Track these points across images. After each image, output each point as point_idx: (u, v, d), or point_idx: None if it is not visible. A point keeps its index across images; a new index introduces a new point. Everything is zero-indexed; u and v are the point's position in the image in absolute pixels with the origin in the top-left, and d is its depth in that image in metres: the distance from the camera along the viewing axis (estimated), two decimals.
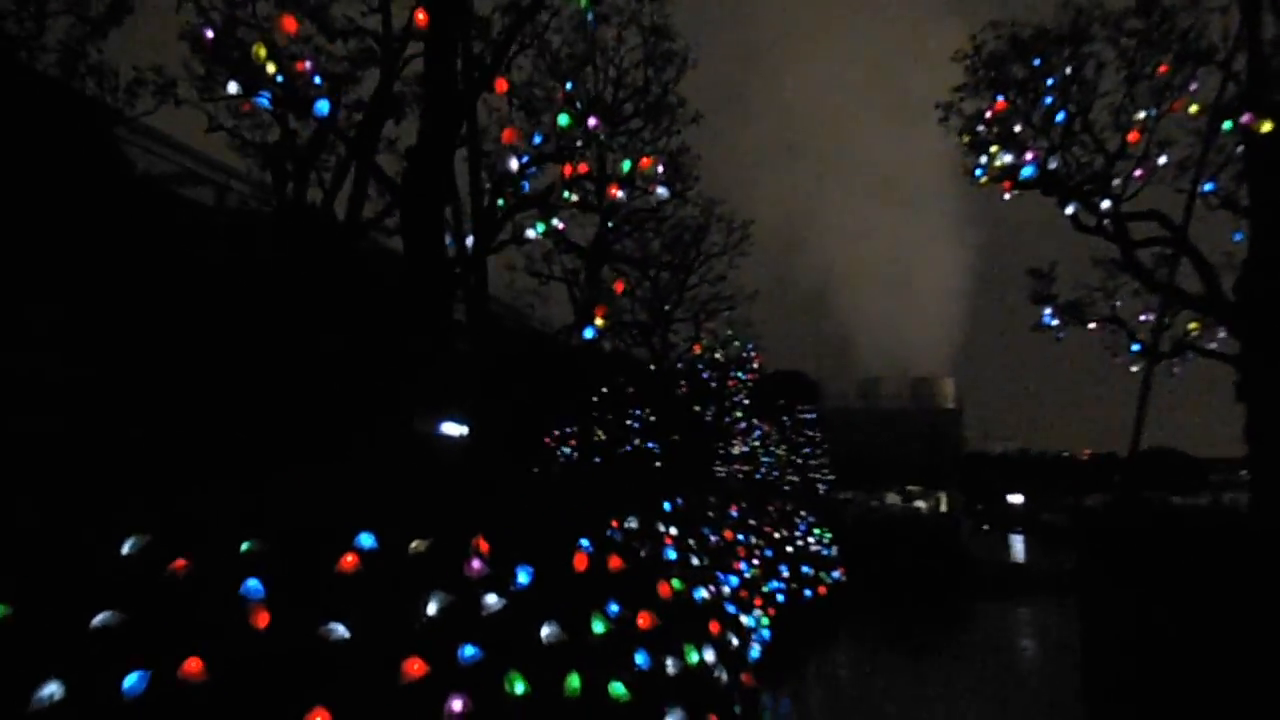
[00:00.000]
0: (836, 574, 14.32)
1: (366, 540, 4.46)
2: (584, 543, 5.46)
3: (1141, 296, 12.93)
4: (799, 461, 58.76)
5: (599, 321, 8.68)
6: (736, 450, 54.45)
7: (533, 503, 6.07)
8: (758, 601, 9.19)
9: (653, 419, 28.60)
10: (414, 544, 4.64)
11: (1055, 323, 13.27)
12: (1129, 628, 8.52)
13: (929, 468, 76.21)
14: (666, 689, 4.99)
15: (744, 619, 7.91)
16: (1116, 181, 10.99)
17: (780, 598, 11.17)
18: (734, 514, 11.04)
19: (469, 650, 4.13)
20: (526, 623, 4.60)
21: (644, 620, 5.30)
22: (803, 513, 15.06)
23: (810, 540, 13.99)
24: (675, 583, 6.17)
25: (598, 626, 4.90)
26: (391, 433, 7.06)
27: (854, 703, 8.62)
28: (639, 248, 21.84)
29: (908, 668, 10.52)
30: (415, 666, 3.91)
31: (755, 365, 25.04)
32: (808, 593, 12.52)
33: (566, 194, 11.10)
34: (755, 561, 10.22)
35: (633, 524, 6.62)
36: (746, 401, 25.21)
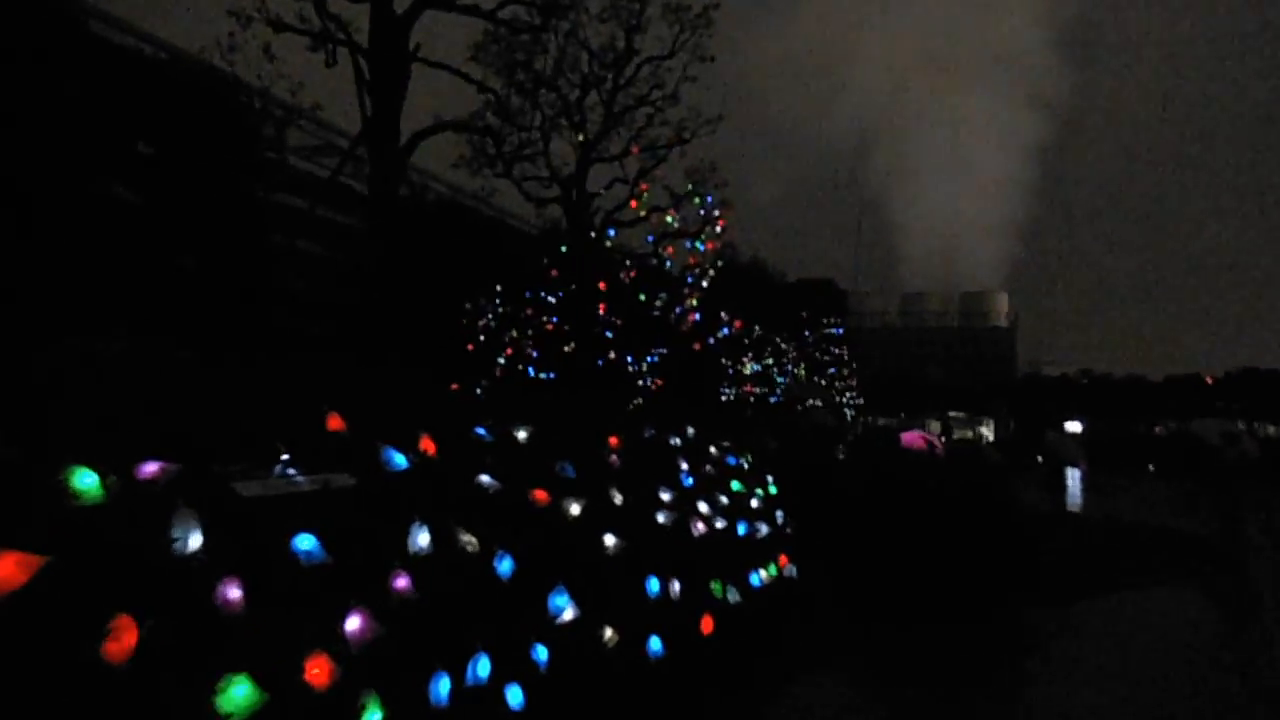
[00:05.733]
0: (758, 578, 6.86)
1: None
2: None
3: None
4: (822, 383, 51.13)
5: None
6: (747, 370, 47.25)
7: None
8: None
9: (608, 320, 21.32)
10: None
11: None
12: None
13: (977, 392, 68.02)
14: None
15: None
16: None
17: None
18: (399, 460, 3.65)
19: None
20: None
21: None
22: (714, 449, 7.66)
23: (704, 510, 6.57)
24: None
25: None
26: None
27: None
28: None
29: None
30: None
31: (719, 229, 17.03)
32: (656, 646, 5.14)
33: None
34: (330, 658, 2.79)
35: None
36: (705, 284, 17.35)
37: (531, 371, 22.42)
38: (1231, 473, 14.39)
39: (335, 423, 4.09)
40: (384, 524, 3.65)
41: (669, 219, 16.68)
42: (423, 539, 3.78)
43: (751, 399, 45.04)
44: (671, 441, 7.25)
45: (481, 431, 5.07)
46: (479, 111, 15.17)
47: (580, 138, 15.45)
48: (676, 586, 5.58)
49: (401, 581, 3.51)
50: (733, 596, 6.27)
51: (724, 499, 7.04)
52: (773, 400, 44.45)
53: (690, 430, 7.84)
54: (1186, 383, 55.68)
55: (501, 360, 22.30)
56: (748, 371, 45.93)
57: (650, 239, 17.27)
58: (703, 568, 6.07)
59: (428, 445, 4.40)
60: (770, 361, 44.49)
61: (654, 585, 5.38)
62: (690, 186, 16.61)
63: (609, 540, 5.17)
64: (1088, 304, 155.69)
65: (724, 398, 42.72)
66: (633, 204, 16.44)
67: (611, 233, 16.92)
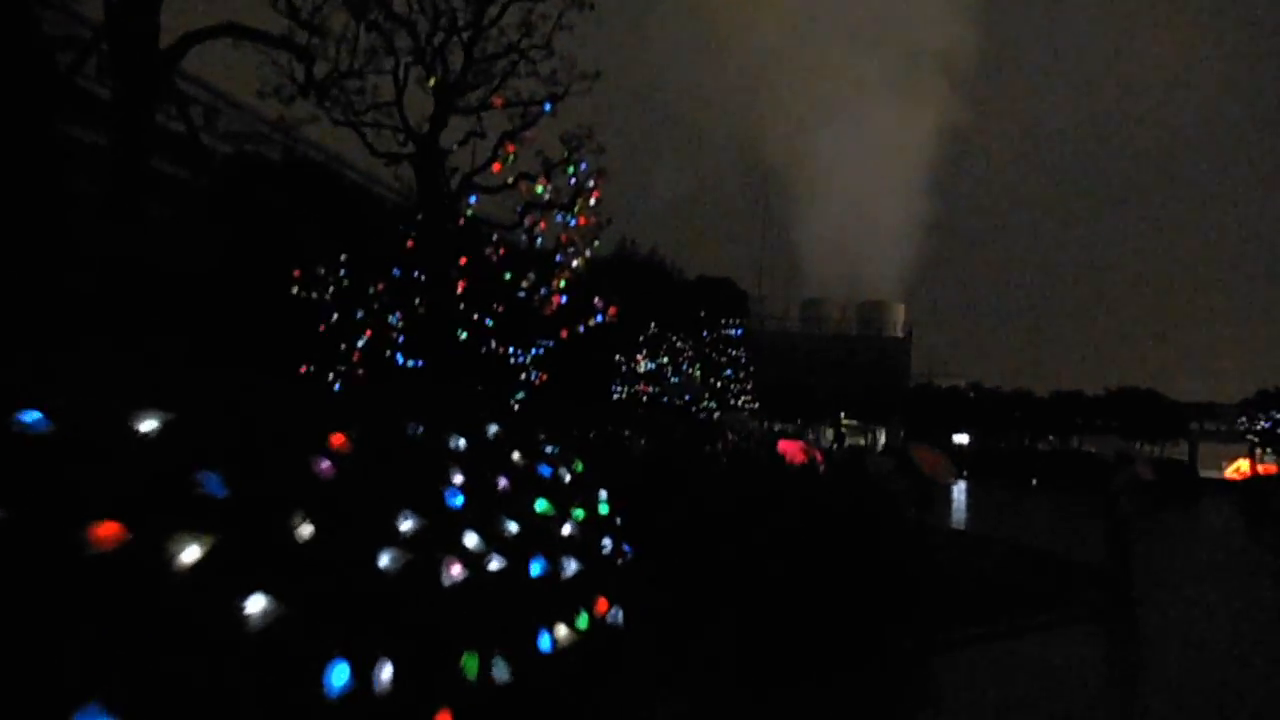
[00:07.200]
0: (549, 640, 4.94)
1: None
2: None
3: None
4: (717, 385, 49.77)
5: None
6: (641, 368, 45.43)
7: None
8: None
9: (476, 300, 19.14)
10: None
11: None
12: None
13: (872, 401, 68.25)
14: None
15: None
16: None
17: None
18: None
19: None
20: None
21: None
22: (518, 455, 5.69)
23: (471, 544, 4.58)
24: None
25: None
26: None
27: None
28: None
29: None
30: None
31: (593, 202, 14.96)
32: None
33: None
34: None
35: None
36: (575, 265, 15.22)
37: (400, 359, 20.02)
38: (1122, 495, 13.33)
39: None
40: None
41: (539, 188, 14.60)
42: None
43: (645, 398, 43.31)
44: (453, 445, 5.26)
45: (30, 420, 2.97)
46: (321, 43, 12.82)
47: (432, 81, 13.27)
48: (387, 672, 3.58)
49: None
50: (500, 674, 4.30)
51: (513, 526, 5.07)
52: (664, 401, 42.85)
53: (492, 428, 5.85)
54: (1070, 399, 56.85)
55: (360, 344, 19.82)
56: (641, 370, 44.22)
57: (519, 210, 15.17)
58: (450, 634, 4.09)
59: None
60: (665, 360, 42.90)
61: (340, 674, 3.36)
62: (566, 153, 14.56)
63: (255, 604, 3.14)
64: (981, 317, 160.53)
65: (616, 396, 40.84)
66: (496, 167, 14.32)
67: (473, 199, 14.79)
